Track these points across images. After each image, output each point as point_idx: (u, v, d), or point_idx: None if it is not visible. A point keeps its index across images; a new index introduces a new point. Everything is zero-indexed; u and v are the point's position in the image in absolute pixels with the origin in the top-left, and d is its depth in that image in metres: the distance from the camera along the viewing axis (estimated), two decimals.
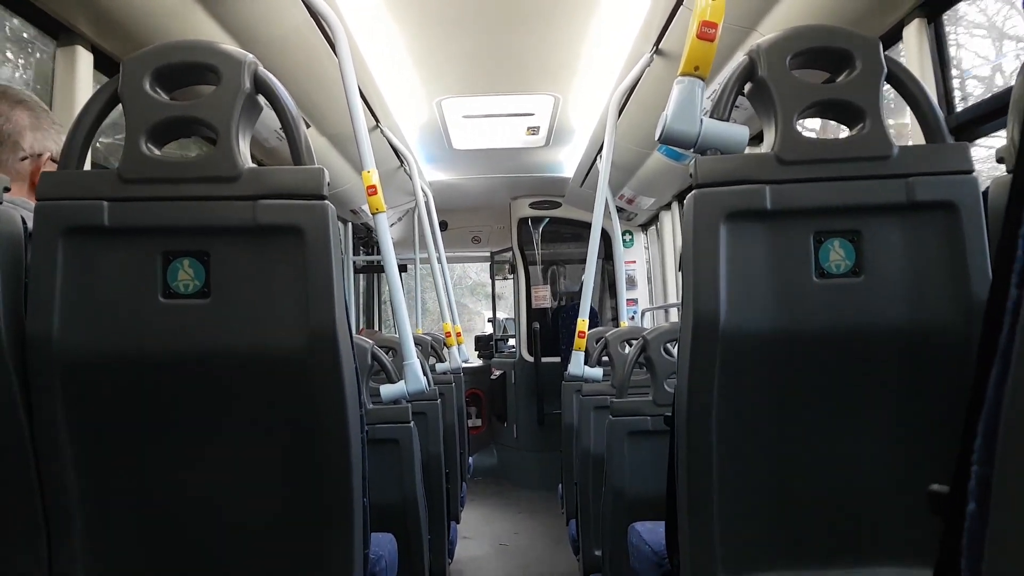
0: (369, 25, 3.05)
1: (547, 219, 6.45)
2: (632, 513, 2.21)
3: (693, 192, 1.26)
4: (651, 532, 1.75)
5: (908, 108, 1.34)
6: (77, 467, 1.20)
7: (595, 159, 4.55)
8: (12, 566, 1.22)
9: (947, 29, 2.15)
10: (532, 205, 6.40)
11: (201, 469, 1.26)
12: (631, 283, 6.03)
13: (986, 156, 2.07)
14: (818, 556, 1.33)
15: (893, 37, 2.20)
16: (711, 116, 1.35)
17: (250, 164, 1.22)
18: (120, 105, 1.22)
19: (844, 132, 1.32)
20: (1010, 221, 0.48)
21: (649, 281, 6.06)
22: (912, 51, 2.12)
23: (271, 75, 1.26)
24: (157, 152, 1.22)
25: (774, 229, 1.25)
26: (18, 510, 1.20)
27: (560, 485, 4.27)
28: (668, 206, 5.08)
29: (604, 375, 3.25)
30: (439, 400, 3.10)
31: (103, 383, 1.20)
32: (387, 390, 2.33)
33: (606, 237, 5.34)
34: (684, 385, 1.30)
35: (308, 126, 3.34)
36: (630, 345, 3.06)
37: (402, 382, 2.35)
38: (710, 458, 1.30)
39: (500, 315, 8.06)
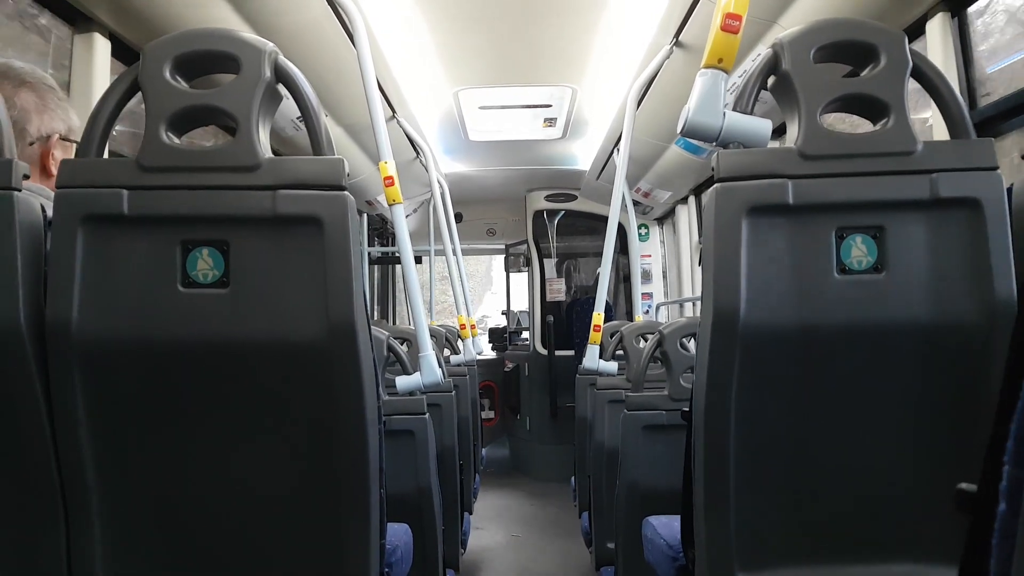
0: (387, 15, 3.04)
1: (562, 212, 6.44)
2: (646, 507, 2.21)
3: (715, 186, 1.25)
4: (666, 526, 1.74)
5: (930, 105, 1.32)
6: (95, 454, 1.21)
7: (612, 152, 4.53)
8: (31, 552, 1.22)
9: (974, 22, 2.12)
10: (548, 198, 6.38)
11: (219, 458, 1.27)
12: (646, 277, 6.01)
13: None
14: (835, 553, 1.32)
15: (916, 31, 2.18)
16: (734, 109, 1.34)
17: (269, 154, 1.22)
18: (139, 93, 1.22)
19: (862, 128, 1.30)
20: None
21: (664, 275, 6.04)
22: (935, 45, 2.09)
23: (291, 64, 1.26)
24: (177, 141, 1.22)
25: (796, 224, 1.24)
26: (37, 496, 1.21)
27: (573, 478, 4.27)
28: (685, 200, 5.05)
29: (619, 369, 3.24)
30: (454, 392, 3.10)
31: (122, 371, 1.20)
32: (403, 382, 2.33)
33: (621, 231, 5.33)
34: (703, 380, 1.29)
35: (325, 116, 3.34)
36: (645, 339, 3.05)
37: (417, 374, 2.35)
38: (727, 453, 1.29)
39: (514, 308, 8.06)
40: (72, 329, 1.16)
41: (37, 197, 1.20)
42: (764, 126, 1.33)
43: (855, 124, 1.38)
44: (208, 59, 1.24)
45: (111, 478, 1.23)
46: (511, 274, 7.65)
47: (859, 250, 1.23)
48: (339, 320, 1.19)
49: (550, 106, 4.43)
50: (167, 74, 1.21)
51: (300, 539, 1.28)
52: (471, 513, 3.87)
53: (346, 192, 1.21)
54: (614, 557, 2.65)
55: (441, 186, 4.49)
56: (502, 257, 7.49)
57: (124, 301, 1.19)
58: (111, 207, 1.17)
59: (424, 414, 2.36)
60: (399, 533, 1.73)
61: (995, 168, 1.22)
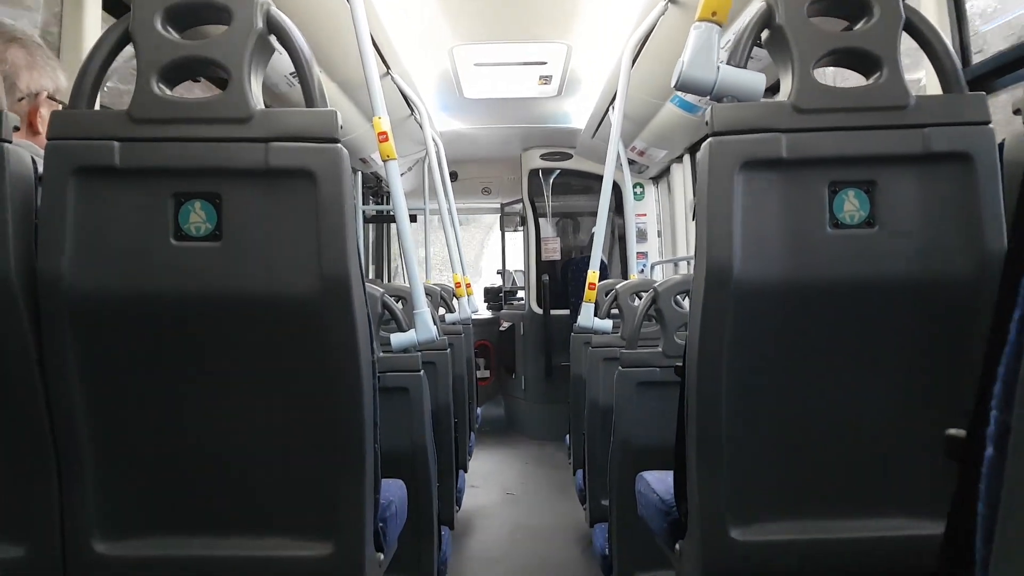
0: None
1: (558, 171, 6.41)
2: (639, 463, 2.23)
3: (709, 140, 1.25)
4: (659, 481, 1.76)
5: (922, 65, 1.32)
6: (87, 405, 1.22)
7: (607, 110, 4.50)
8: (24, 501, 1.24)
9: None
10: (543, 156, 6.34)
11: (212, 411, 1.27)
12: (641, 236, 6.00)
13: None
14: (827, 507, 1.34)
15: None
16: (728, 63, 1.34)
17: (262, 106, 1.21)
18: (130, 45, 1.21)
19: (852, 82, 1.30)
20: None
21: (659, 234, 6.03)
22: (928, 2, 2.08)
23: (284, 15, 1.24)
24: (169, 92, 1.21)
25: (789, 178, 1.24)
26: (30, 447, 1.22)
27: (568, 436, 4.30)
28: (680, 159, 5.03)
29: (613, 327, 3.26)
30: (448, 350, 3.11)
31: (114, 323, 1.21)
32: (398, 339, 2.34)
33: (617, 189, 5.31)
34: (696, 334, 1.30)
35: (319, 71, 3.30)
36: (640, 298, 3.06)
37: (412, 331, 2.36)
38: (720, 408, 1.30)
39: (509, 267, 8.06)
40: (63, 282, 1.16)
41: (27, 151, 1.19)
42: (758, 79, 1.33)
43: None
44: (199, 9, 1.23)
45: (103, 430, 1.24)
46: (506, 233, 7.64)
47: (851, 204, 1.23)
48: (333, 273, 1.20)
49: (545, 63, 4.38)
50: (158, 25, 1.20)
51: (294, 493, 1.30)
52: (466, 471, 3.91)
53: (339, 145, 1.20)
54: (608, 513, 2.69)
55: (436, 144, 4.46)
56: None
57: (116, 254, 1.19)
58: (102, 159, 1.16)
59: (419, 371, 2.36)
60: (394, 489, 1.75)
61: (987, 123, 1.22)
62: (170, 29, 1.21)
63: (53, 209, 1.16)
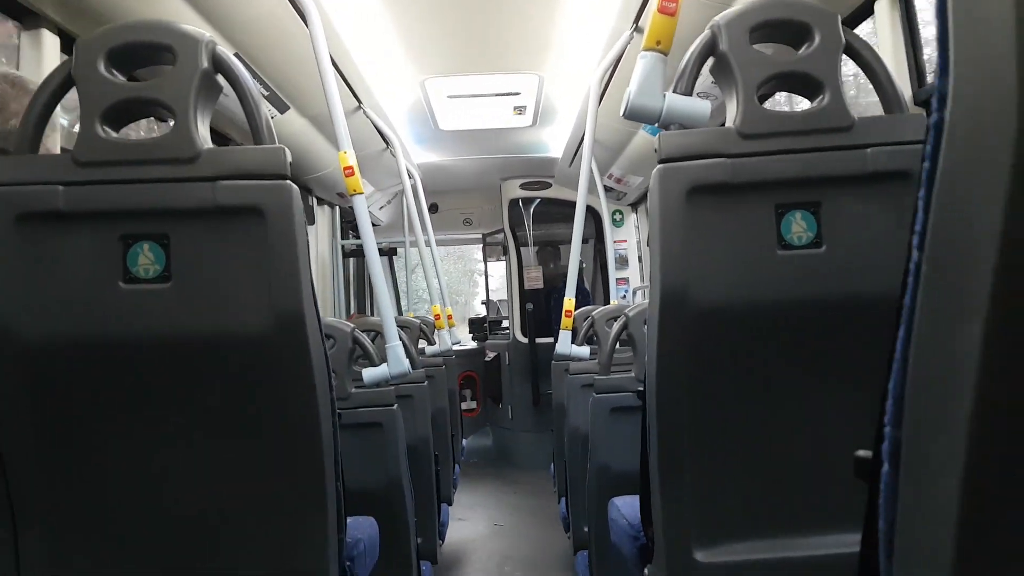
0: (348, 4, 3.02)
1: (537, 200, 6.43)
2: (615, 489, 2.22)
3: (658, 167, 1.26)
4: (628, 506, 1.76)
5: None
6: (40, 455, 1.20)
7: (582, 138, 4.53)
8: None
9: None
10: (522, 186, 6.38)
11: (169, 455, 1.26)
12: (623, 262, 6.02)
13: None
14: (791, 525, 1.34)
15: (865, 12, 2.19)
16: (674, 91, 1.35)
17: (209, 145, 1.22)
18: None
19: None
20: (923, 188, 0.48)
21: (640, 260, 6.05)
22: (884, 25, 2.11)
23: (229, 53, 1.25)
24: (114, 134, 1.21)
25: (737, 202, 1.25)
26: None
27: (552, 464, 4.28)
28: None
29: (591, 354, 3.25)
30: (426, 383, 3.10)
31: (65, 370, 1.20)
32: (369, 373, 2.33)
33: (597, 217, 5.33)
34: (653, 359, 1.30)
35: (287, 108, 3.31)
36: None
37: (384, 365, 2.35)
38: (680, 431, 1.30)
39: (494, 297, 8.06)
40: (11, 329, 1.15)
41: None
42: (703, 106, 1.34)
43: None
44: (143, 50, 1.24)
45: (57, 478, 1.22)
46: (489, 263, 7.65)
47: (799, 226, 1.24)
48: (285, 311, 1.19)
49: (519, 94, 4.41)
50: (101, 67, 1.20)
51: (255, 535, 1.28)
52: (450, 504, 3.87)
53: (288, 181, 1.20)
54: (588, 541, 2.67)
55: (412, 176, 4.48)
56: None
57: (64, 300, 1.18)
58: (47, 203, 1.16)
59: (392, 405, 2.35)
60: (363, 526, 1.73)
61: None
62: (114, 71, 1.21)
63: None
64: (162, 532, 1.28)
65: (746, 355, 1.29)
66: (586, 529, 2.81)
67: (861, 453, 0.58)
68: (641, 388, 1.52)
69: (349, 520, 1.44)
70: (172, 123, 1.21)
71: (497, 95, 4.40)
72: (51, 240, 1.17)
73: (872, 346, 1.27)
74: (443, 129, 4.99)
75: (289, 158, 1.22)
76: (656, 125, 1.37)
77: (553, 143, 5.48)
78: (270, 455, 1.25)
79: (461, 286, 17.14)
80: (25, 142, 1.21)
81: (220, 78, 1.26)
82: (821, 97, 1.26)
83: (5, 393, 1.17)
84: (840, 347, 1.28)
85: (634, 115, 1.37)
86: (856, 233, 1.24)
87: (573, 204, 6.04)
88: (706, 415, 1.30)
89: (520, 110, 4.72)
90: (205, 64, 1.22)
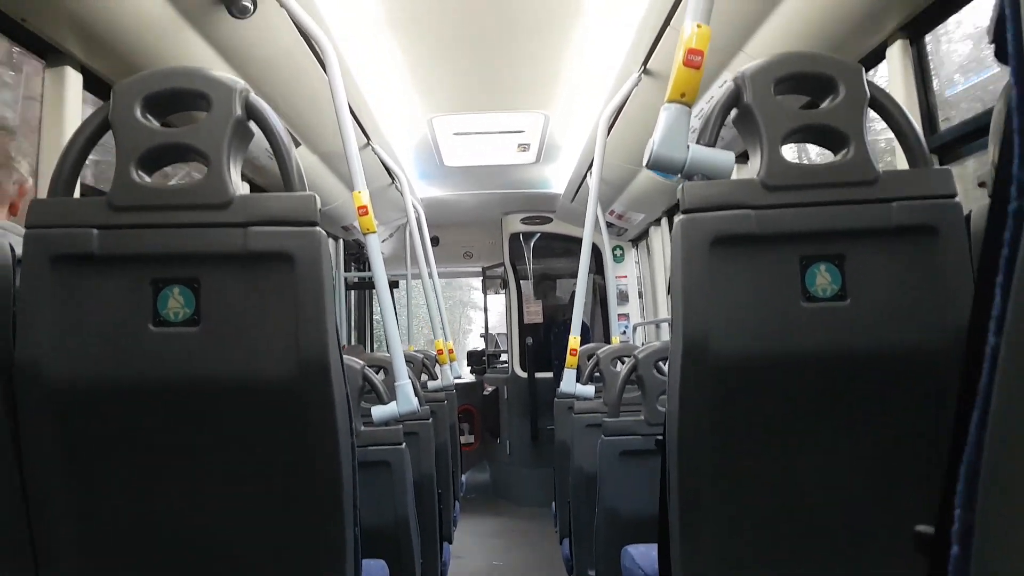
0: (361, 44, 3.06)
1: (538, 234, 6.46)
2: (625, 534, 2.21)
3: (681, 217, 1.27)
4: (644, 556, 1.75)
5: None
6: (67, 494, 1.20)
7: (585, 175, 4.57)
8: None
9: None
10: (523, 220, 6.41)
11: (192, 496, 1.26)
12: (622, 298, 6.04)
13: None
14: None
15: (877, 56, 2.23)
16: (698, 142, 1.37)
17: (241, 191, 1.23)
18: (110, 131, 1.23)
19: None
20: (987, 248, 0.48)
21: (640, 296, 6.07)
22: (896, 71, 2.14)
23: (262, 101, 1.27)
24: (148, 179, 1.22)
25: (761, 253, 1.26)
26: (5, 540, 1.20)
27: (554, 503, 4.25)
28: (658, 221, 5.10)
29: (596, 392, 3.25)
30: (431, 419, 3.09)
31: (93, 411, 1.20)
32: (379, 412, 2.32)
33: (597, 252, 5.36)
34: (675, 409, 1.30)
35: (299, 144, 3.34)
36: (622, 362, 3.07)
37: (393, 403, 2.34)
38: (701, 482, 1.30)
39: (492, 331, 8.06)
40: (41, 370, 1.16)
41: (7, 235, 1.19)
42: (727, 158, 1.35)
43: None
44: (178, 97, 1.25)
45: (82, 520, 1.22)
46: (488, 296, 7.65)
47: (823, 278, 1.25)
48: (311, 358, 1.19)
49: (523, 131, 4.46)
50: (137, 113, 1.21)
51: None
52: (451, 542, 3.84)
53: (318, 228, 1.21)
54: None
55: (417, 211, 4.50)
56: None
57: (94, 341, 1.18)
58: (81, 247, 1.17)
59: (401, 444, 2.34)
60: (375, 570, 1.72)
61: (953, 196, 1.25)
62: (149, 117, 1.23)
63: (31, 297, 1.16)
64: (182, 573, 1.27)
65: (769, 406, 1.29)
66: (591, 573, 2.78)
67: (922, 528, 0.58)
68: (656, 436, 1.52)
69: (363, 562, 1.43)
70: (206, 170, 1.22)
71: (502, 132, 4.44)
72: (84, 282, 1.18)
73: (896, 401, 1.28)
74: (448, 165, 5.03)
75: (319, 204, 1.23)
76: (679, 177, 1.38)
77: (555, 179, 5.52)
78: (292, 498, 1.25)
79: (452, 318, 17.10)
80: (62, 184, 1.22)
81: (252, 125, 1.27)
82: (846, 150, 1.27)
83: (32, 433, 1.17)
84: (864, 401, 1.28)
85: (657, 166, 1.39)
86: (881, 287, 1.25)
87: (573, 239, 6.16)
88: (727, 465, 1.30)
89: (524, 147, 4.77)
90: (239, 111, 1.23)
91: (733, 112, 1.33)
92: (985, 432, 0.46)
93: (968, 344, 0.49)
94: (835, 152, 1.31)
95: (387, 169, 4.17)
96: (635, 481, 2.32)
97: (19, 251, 1.18)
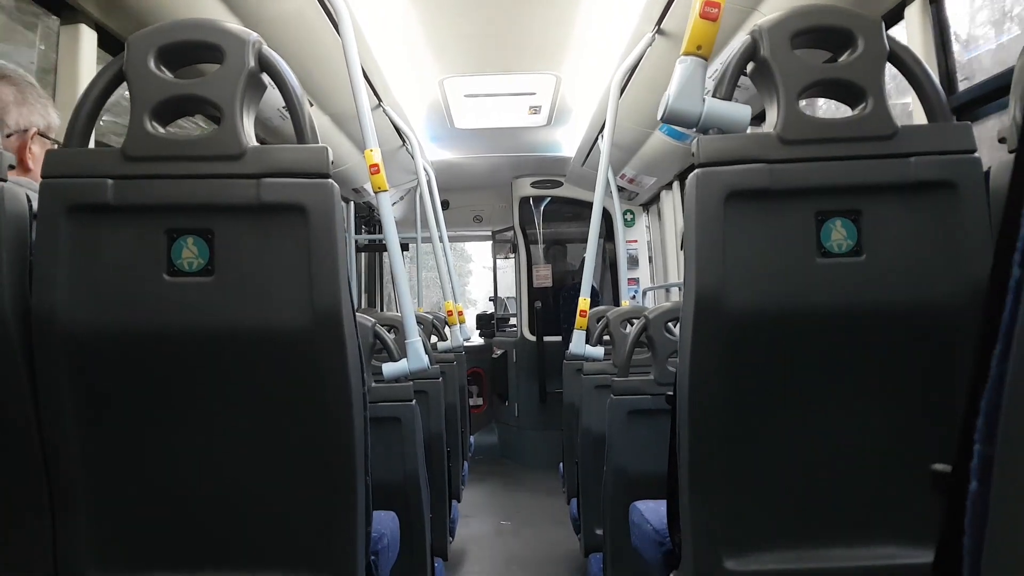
0: (373, 4, 3.04)
1: (548, 198, 6.45)
2: (633, 492, 2.22)
3: (695, 171, 1.26)
4: (652, 511, 1.76)
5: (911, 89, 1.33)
6: (81, 443, 1.21)
7: (596, 139, 4.54)
8: (15, 544, 1.23)
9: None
10: (534, 184, 6.39)
11: (204, 444, 1.27)
12: (633, 262, 6.03)
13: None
14: (820, 536, 1.33)
15: (895, 16, 2.20)
16: (713, 96, 1.36)
17: (254, 143, 1.23)
18: (123, 83, 1.22)
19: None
20: (1012, 200, 0.48)
21: (651, 261, 6.06)
22: (915, 31, 2.11)
23: (275, 54, 1.26)
24: (161, 130, 1.22)
25: (776, 208, 1.25)
26: (22, 487, 1.22)
27: (561, 464, 4.29)
28: (669, 186, 5.07)
29: (605, 354, 3.26)
30: (440, 379, 3.11)
31: (108, 360, 1.21)
32: (389, 368, 2.34)
33: (607, 216, 5.34)
34: (686, 365, 1.31)
35: (311, 105, 3.33)
36: (631, 324, 3.07)
37: (404, 360, 2.35)
38: (711, 438, 1.30)
39: (501, 294, 8.07)
40: (58, 319, 1.17)
41: (22, 188, 1.20)
42: (743, 112, 1.34)
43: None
44: (192, 49, 1.25)
45: (97, 467, 1.23)
46: (498, 260, 7.66)
47: (839, 233, 1.24)
48: (324, 308, 1.20)
49: (534, 94, 4.43)
50: (151, 64, 1.21)
51: (287, 526, 1.29)
52: (459, 501, 3.88)
53: (330, 180, 1.21)
54: (602, 543, 2.67)
55: (427, 174, 4.49)
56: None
57: (109, 290, 1.19)
58: (96, 196, 1.17)
59: (411, 401, 2.36)
60: (386, 521, 1.74)
61: (972, 151, 1.24)
62: (163, 68, 1.22)
63: (47, 247, 1.17)
64: (195, 520, 1.29)
65: (781, 362, 1.30)
66: (599, 532, 2.81)
67: (939, 467, 0.58)
68: (666, 392, 1.53)
69: (374, 514, 1.45)
70: (220, 121, 1.22)
71: (513, 95, 4.41)
72: (99, 232, 1.19)
73: (911, 356, 1.28)
74: (458, 128, 5.01)
75: (331, 157, 1.23)
76: (693, 131, 1.37)
77: (566, 142, 5.49)
78: (304, 447, 1.26)
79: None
80: (77, 135, 1.22)
81: (265, 77, 1.27)
82: (864, 105, 1.26)
83: (48, 381, 1.18)
84: (878, 357, 1.28)
85: (673, 119, 1.38)
86: (897, 242, 1.24)
87: (584, 203, 6.14)
88: (738, 422, 1.30)
89: (535, 109, 4.74)
90: (252, 63, 1.22)
91: (750, 66, 1.31)
92: (1007, 364, 0.46)
93: (992, 278, 0.49)
94: (853, 107, 1.29)
95: (398, 131, 4.15)
96: (644, 440, 2.33)
97: (35, 204, 1.18)
